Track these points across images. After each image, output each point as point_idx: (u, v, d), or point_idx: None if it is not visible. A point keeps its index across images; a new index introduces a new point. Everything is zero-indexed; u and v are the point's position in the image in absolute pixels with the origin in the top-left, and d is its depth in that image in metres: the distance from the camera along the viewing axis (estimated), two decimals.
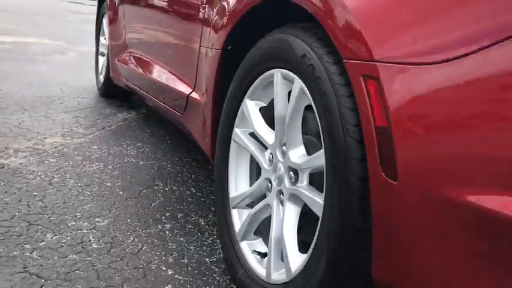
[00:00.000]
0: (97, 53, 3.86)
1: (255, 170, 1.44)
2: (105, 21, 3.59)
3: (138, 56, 2.69)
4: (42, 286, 1.23)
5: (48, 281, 1.25)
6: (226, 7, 1.54)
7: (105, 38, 3.62)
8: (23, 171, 1.95)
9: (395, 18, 0.90)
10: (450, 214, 0.77)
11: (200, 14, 1.83)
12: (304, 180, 1.15)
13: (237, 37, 1.48)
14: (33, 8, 15.42)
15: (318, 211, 1.04)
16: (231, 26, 1.46)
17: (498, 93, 0.72)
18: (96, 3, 3.99)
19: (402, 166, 0.83)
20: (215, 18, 1.64)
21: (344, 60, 0.96)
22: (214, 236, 1.65)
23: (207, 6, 1.77)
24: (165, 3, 2.32)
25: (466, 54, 0.75)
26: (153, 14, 2.47)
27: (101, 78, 3.61)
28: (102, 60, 3.69)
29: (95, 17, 3.99)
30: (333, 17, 1.00)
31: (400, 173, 0.83)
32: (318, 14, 1.05)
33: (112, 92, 3.44)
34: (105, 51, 3.54)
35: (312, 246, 1.05)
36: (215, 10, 1.66)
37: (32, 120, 2.71)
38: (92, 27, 4.35)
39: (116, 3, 3.14)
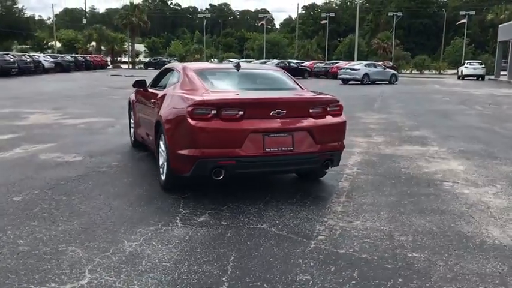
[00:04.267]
0: (130, 126, 8.24)
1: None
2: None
3: (140, 129, 6.97)
4: None
5: None
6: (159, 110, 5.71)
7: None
8: (130, 168, 6.22)
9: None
10: (178, 154, 4.90)
11: (156, 109, 6.00)
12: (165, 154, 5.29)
13: None
14: (89, 90, 20.39)
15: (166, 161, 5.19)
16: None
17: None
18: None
19: (169, 147, 4.97)
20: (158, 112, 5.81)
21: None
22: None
23: (157, 108, 5.91)
24: (148, 104, 6.53)
25: None
26: (143, 108, 6.71)
27: (132, 139, 7.98)
28: (132, 130, 8.07)
29: (132, 90, 8.27)
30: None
31: (169, 149, 4.97)
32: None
33: (137, 144, 7.76)
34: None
35: (166, 168, 5.20)
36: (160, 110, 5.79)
37: (120, 158, 7.04)
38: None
39: (134, 103, 7.48)
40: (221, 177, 4.69)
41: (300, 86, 5.66)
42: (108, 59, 60.10)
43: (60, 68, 42.31)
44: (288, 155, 4.78)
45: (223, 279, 3.23)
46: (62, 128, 10.12)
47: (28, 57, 38.24)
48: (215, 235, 4.03)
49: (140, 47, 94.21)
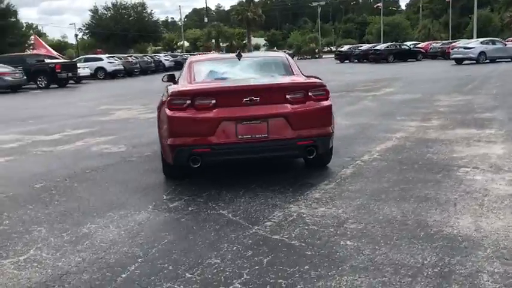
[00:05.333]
0: None
1: None
2: None
3: None
4: None
5: None
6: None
7: None
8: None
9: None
10: (163, 143, 5.15)
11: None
12: None
13: None
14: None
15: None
16: None
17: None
18: None
19: (159, 136, 5.24)
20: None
21: None
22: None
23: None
24: None
25: None
26: None
27: None
28: None
29: None
30: None
31: (159, 138, 5.24)
32: None
33: None
34: None
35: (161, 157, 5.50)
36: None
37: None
38: None
39: None
40: (198, 165, 4.85)
41: (293, 72, 5.56)
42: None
43: (180, 66, 45.05)
44: (263, 142, 4.78)
45: (139, 260, 3.42)
46: (135, 122, 11.00)
47: (149, 57, 41.47)
48: (171, 220, 4.24)
49: (261, 41, 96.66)
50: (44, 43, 51.30)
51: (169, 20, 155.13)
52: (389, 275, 3.00)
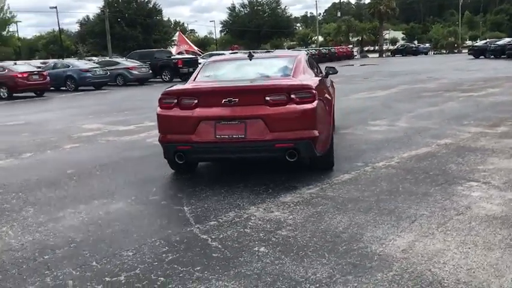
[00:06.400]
0: None
1: None
2: None
3: None
4: None
5: None
6: None
7: None
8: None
9: None
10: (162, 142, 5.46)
11: None
12: None
13: None
14: None
15: None
16: None
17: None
18: None
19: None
20: None
21: None
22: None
23: None
24: None
25: None
26: None
27: None
28: None
29: None
30: None
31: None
32: None
33: None
34: None
35: None
36: None
37: None
38: None
39: None
40: (183, 161, 5.09)
41: (293, 73, 5.45)
42: (355, 49, 61.59)
43: None
44: (240, 143, 4.84)
45: (72, 245, 3.77)
46: None
47: None
48: (135, 211, 4.54)
49: (398, 34, 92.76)
50: (186, 39, 55.05)
51: (309, 14, 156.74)
52: (262, 286, 2.95)
